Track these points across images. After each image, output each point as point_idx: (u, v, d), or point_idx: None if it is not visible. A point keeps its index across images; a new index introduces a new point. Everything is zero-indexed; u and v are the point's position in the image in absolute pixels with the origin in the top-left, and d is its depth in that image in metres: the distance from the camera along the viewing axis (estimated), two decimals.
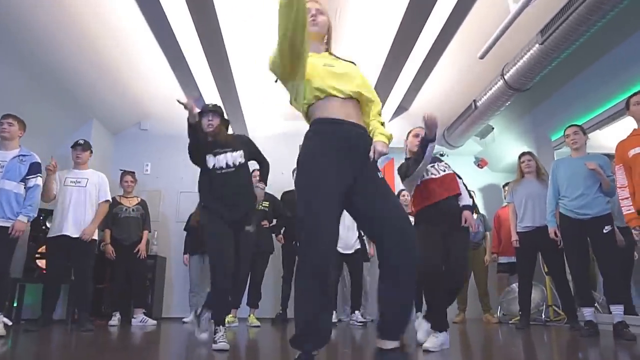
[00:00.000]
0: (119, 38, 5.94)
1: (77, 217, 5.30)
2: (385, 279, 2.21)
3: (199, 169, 3.90)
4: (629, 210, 4.14)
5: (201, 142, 3.79)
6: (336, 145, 2.26)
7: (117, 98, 7.38)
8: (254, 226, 3.87)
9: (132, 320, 6.11)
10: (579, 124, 5.75)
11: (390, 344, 2.15)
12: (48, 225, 5.28)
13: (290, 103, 2.54)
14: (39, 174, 4.80)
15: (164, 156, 8.15)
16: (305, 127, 2.43)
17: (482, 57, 4.63)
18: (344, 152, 2.26)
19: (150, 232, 6.65)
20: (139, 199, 6.66)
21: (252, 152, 4.07)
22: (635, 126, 4.29)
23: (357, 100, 2.40)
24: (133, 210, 6.44)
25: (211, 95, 7.10)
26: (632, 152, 4.13)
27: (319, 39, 2.56)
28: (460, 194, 3.86)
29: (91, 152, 5.70)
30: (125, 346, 3.91)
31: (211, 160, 3.80)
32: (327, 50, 2.60)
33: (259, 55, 6.24)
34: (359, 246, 6.59)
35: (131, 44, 6.16)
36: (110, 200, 5.77)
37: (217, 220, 3.74)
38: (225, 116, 4.08)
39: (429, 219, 3.76)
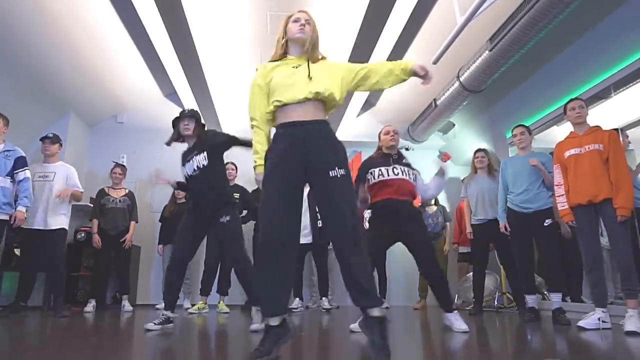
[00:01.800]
0: (96, 36, 6.11)
1: (46, 211, 5.47)
2: (337, 257, 2.53)
3: (172, 161, 4.29)
4: (563, 206, 4.42)
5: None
6: (287, 145, 2.59)
7: (94, 92, 7.53)
8: (227, 217, 4.19)
9: (122, 305, 6.42)
10: (529, 123, 6.13)
11: (371, 312, 2.43)
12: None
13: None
14: (26, 167, 5.04)
15: (139, 148, 8.36)
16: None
17: (435, 63, 4.94)
18: (294, 150, 2.57)
19: (137, 222, 6.78)
20: (127, 191, 6.84)
21: (218, 144, 4.27)
22: (572, 129, 4.57)
23: (317, 100, 2.69)
24: (120, 201, 6.63)
25: (183, 89, 7.37)
26: (567, 153, 4.39)
27: (301, 44, 2.85)
28: (414, 198, 4.24)
29: (60, 145, 5.86)
30: (101, 330, 4.18)
31: (184, 170, 4.23)
32: (306, 55, 2.87)
33: (227, 50, 6.53)
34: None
35: (107, 42, 6.34)
36: (82, 190, 5.91)
37: (190, 216, 4.17)
38: (202, 120, 4.38)
39: (380, 216, 4.13)
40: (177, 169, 4.43)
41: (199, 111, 4.46)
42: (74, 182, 5.78)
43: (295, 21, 2.85)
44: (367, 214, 6.75)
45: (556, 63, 5.75)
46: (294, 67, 2.76)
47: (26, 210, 5.02)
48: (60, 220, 5.59)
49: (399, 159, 4.27)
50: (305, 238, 6.71)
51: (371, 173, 4.17)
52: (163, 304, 4.10)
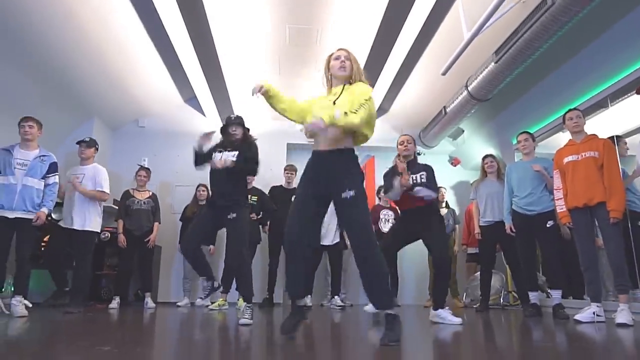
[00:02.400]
0: (120, 43, 6.33)
1: (75, 210, 5.63)
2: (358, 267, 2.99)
3: (191, 164, 4.53)
4: (562, 209, 4.73)
5: (206, 156, 4.48)
6: (312, 171, 3.12)
7: (117, 98, 7.77)
8: (234, 214, 4.32)
9: (145, 302, 6.73)
10: (534, 130, 6.41)
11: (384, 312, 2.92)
12: (54, 216, 5.79)
13: None
14: (56, 173, 5.25)
15: (160, 152, 8.61)
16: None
17: (444, 74, 5.25)
18: (317, 176, 3.09)
19: (160, 223, 7.06)
20: (151, 193, 7.10)
21: (245, 152, 4.49)
22: (570, 137, 4.89)
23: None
24: (144, 202, 6.90)
25: (204, 95, 7.68)
26: (566, 160, 4.70)
27: (343, 79, 3.23)
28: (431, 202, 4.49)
29: (96, 149, 6.00)
30: (130, 325, 4.46)
31: (215, 156, 4.41)
32: (349, 82, 3.24)
33: (248, 57, 6.80)
34: (338, 240, 7.19)
35: (131, 48, 6.56)
36: (104, 190, 5.86)
37: (203, 212, 4.52)
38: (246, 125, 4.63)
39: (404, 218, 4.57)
40: (196, 171, 4.74)
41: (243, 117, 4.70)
42: (99, 182, 5.82)
43: (336, 59, 3.23)
44: (382, 215, 7.20)
45: (557, 75, 6.01)
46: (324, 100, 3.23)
47: (49, 213, 5.25)
48: (93, 223, 5.72)
49: (410, 167, 4.50)
50: (328, 240, 7.09)
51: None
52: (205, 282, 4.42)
